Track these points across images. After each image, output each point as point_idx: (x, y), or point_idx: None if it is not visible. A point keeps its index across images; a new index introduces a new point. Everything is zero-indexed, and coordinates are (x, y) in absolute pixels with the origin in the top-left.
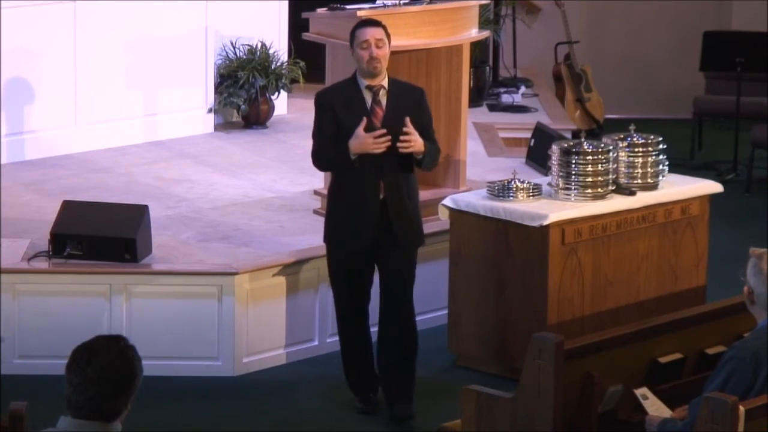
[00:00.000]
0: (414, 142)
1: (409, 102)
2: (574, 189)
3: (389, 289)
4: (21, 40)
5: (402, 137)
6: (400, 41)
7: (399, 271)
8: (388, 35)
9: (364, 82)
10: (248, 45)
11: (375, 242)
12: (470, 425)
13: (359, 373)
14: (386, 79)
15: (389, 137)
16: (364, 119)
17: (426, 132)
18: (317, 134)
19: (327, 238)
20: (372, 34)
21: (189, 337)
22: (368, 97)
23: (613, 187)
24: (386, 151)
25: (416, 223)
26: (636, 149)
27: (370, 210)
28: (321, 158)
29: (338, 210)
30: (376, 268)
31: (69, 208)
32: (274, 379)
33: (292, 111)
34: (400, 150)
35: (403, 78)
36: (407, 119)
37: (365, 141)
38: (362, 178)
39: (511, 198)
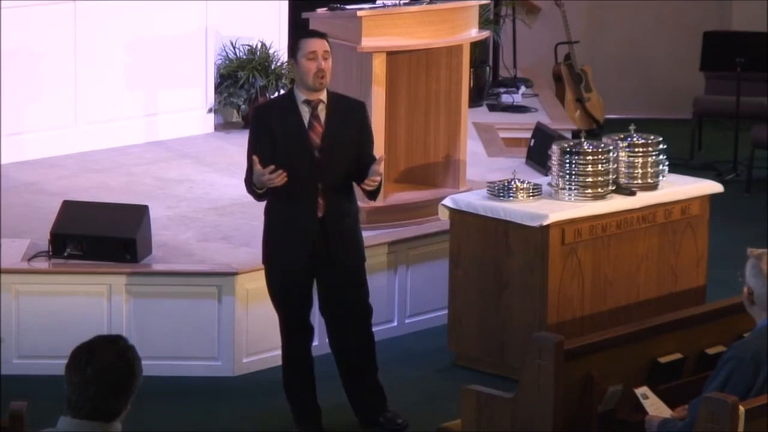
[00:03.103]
0: (377, 182)
1: (351, 118)
2: (574, 189)
3: (335, 309)
4: (21, 40)
5: (374, 177)
6: (400, 41)
7: (342, 291)
8: (331, 49)
9: (302, 96)
10: (248, 45)
11: (313, 262)
12: (470, 425)
13: (301, 393)
14: (325, 94)
15: (282, 172)
16: (256, 158)
17: (367, 152)
18: (248, 157)
19: (265, 258)
20: (320, 45)
21: (189, 337)
22: (306, 113)
23: (613, 187)
24: (326, 171)
25: (356, 241)
26: (636, 149)
27: (308, 229)
28: (246, 185)
29: (275, 229)
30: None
31: (69, 208)
32: (274, 379)
33: None
34: (367, 188)
35: (403, 79)
36: (381, 156)
37: (262, 178)
38: (299, 197)
39: (511, 198)
